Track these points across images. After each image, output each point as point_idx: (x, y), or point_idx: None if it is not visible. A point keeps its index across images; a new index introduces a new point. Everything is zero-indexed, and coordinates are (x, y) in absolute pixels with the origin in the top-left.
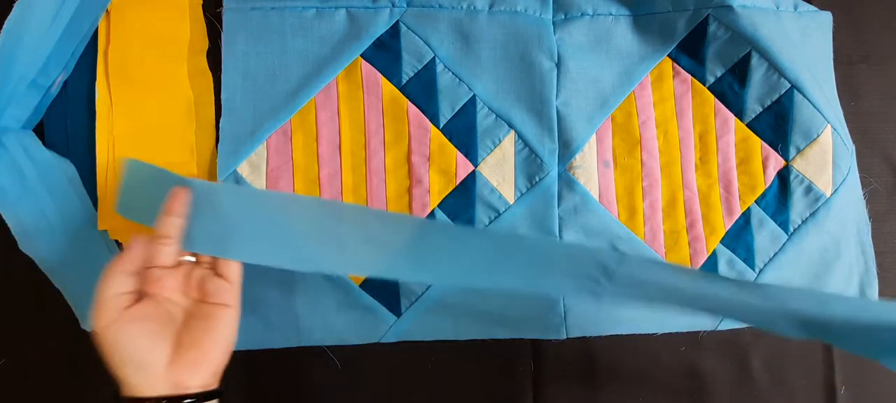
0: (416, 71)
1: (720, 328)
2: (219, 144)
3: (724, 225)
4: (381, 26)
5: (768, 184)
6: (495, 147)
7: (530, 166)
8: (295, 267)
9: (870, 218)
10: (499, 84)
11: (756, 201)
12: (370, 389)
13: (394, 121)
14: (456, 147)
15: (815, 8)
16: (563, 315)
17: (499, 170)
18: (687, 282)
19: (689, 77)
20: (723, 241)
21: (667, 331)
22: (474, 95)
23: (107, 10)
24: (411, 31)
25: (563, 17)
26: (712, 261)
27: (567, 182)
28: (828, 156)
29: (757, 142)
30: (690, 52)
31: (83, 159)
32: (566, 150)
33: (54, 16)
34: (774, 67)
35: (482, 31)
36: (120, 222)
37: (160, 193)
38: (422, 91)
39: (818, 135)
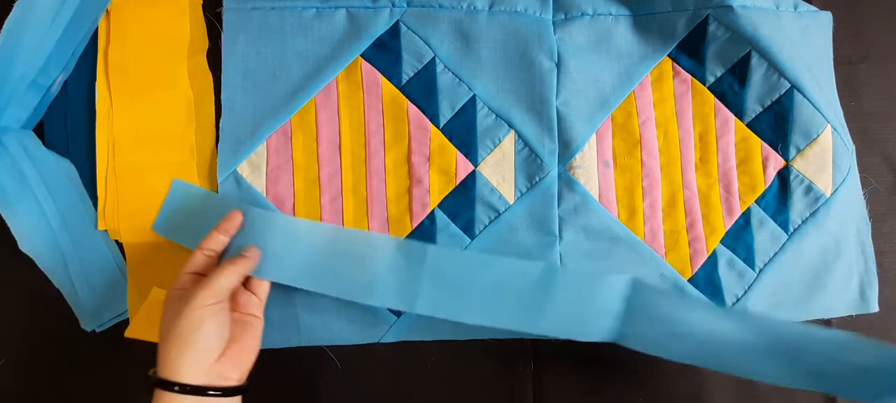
0: (416, 71)
1: None
2: (219, 144)
3: (724, 225)
4: (381, 26)
5: (768, 184)
6: (495, 147)
7: (530, 166)
8: (322, 291)
9: (870, 218)
10: (499, 84)
11: (756, 201)
12: (370, 389)
13: (394, 121)
14: (456, 147)
15: (815, 8)
16: None
17: (499, 169)
18: (703, 326)
19: (689, 77)
20: (723, 241)
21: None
22: (474, 95)
23: (107, 10)
24: (411, 31)
25: (563, 17)
26: (712, 261)
27: (567, 182)
28: (828, 156)
29: (757, 142)
30: (690, 52)
31: (83, 159)
32: (566, 150)
33: (54, 16)
34: (774, 67)
35: (482, 31)
36: (120, 222)
37: (203, 214)
38: (422, 91)
39: (818, 135)
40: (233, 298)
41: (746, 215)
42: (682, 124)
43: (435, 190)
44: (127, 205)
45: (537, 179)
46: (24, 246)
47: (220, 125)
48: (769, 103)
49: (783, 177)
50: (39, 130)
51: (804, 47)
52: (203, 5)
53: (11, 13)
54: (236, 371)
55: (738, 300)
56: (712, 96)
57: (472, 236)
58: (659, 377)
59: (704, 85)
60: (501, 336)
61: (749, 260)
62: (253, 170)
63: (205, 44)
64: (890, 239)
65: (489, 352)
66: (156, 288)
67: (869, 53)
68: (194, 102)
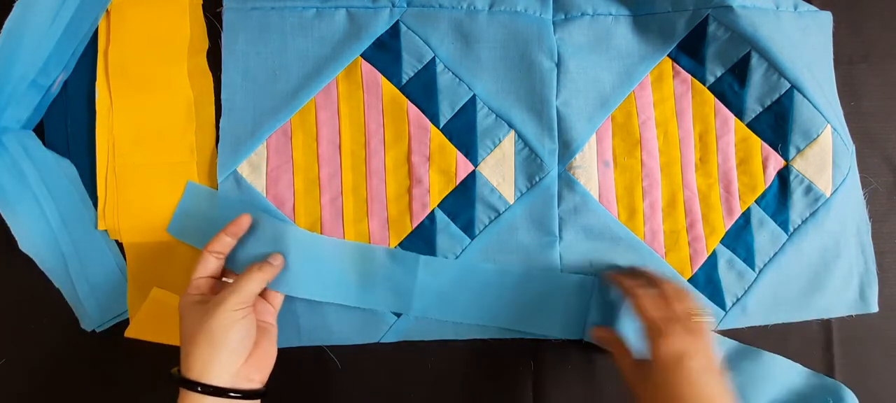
0: (416, 71)
1: (719, 327)
2: (219, 144)
3: (724, 225)
4: (381, 26)
5: (768, 184)
6: (495, 147)
7: (530, 166)
8: (334, 300)
9: (870, 218)
10: (499, 84)
11: (756, 201)
12: (370, 389)
13: (394, 120)
14: (456, 147)
15: (815, 8)
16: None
17: (499, 169)
18: None
19: (689, 77)
20: (723, 241)
21: None
22: (474, 95)
23: (107, 10)
24: (411, 31)
25: (563, 17)
26: (712, 261)
27: (567, 182)
28: (828, 156)
29: (757, 142)
30: (690, 52)
31: (83, 159)
32: (566, 150)
33: (54, 16)
34: (774, 67)
35: (482, 31)
36: (120, 222)
37: (218, 217)
38: (422, 91)
39: (818, 135)
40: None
41: (746, 215)
42: (682, 124)
43: (435, 190)
44: (127, 205)
45: (537, 179)
46: (24, 246)
47: (220, 125)
48: (769, 103)
49: (783, 177)
50: (39, 130)
51: (804, 47)
52: (203, 5)
53: (11, 13)
54: (259, 373)
55: (738, 300)
56: (712, 96)
57: (472, 236)
58: None
59: (704, 85)
60: (502, 335)
61: (749, 260)
62: (253, 170)
63: (205, 44)
64: (890, 239)
65: (489, 352)
66: (156, 288)
67: (869, 53)
68: (194, 102)
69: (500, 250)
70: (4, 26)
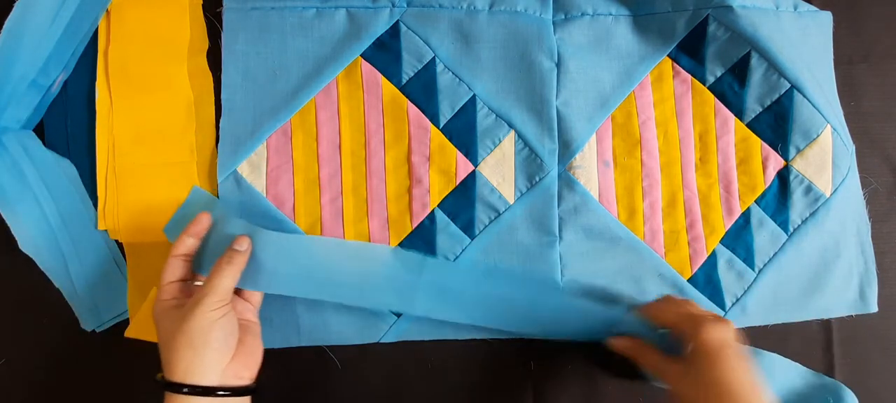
0: (416, 71)
1: None
2: (219, 144)
3: (723, 225)
4: (381, 26)
5: (768, 184)
6: (495, 147)
7: (530, 166)
8: (310, 295)
9: (870, 218)
10: (499, 84)
11: (756, 201)
12: (370, 389)
13: (394, 120)
14: (456, 147)
15: (815, 8)
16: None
17: (499, 169)
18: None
19: (689, 77)
20: (723, 241)
21: None
22: (474, 95)
23: (107, 10)
24: (411, 31)
25: (563, 16)
26: (712, 261)
27: (567, 182)
28: (827, 156)
29: (757, 142)
30: (690, 52)
31: (83, 159)
32: (566, 150)
33: (54, 16)
34: (774, 67)
35: (482, 31)
36: (120, 222)
37: (214, 227)
38: (422, 91)
39: (818, 135)
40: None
41: (746, 215)
42: (682, 124)
43: (435, 190)
44: (127, 205)
45: (537, 179)
46: (24, 246)
47: (220, 125)
48: (769, 103)
49: (783, 177)
50: (39, 130)
51: (804, 47)
52: (203, 5)
53: (11, 13)
54: (247, 371)
55: (737, 300)
56: (712, 96)
57: (471, 236)
58: None
59: (704, 85)
60: (502, 335)
61: (749, 260)
62: (253, 169)
63: (205, 44)
64: (890, 239)
65: (489, 352)
66: (156, 288)
67: (869, 53)
68: (194, 102)
69: (500, 250)
70: (4, 26)
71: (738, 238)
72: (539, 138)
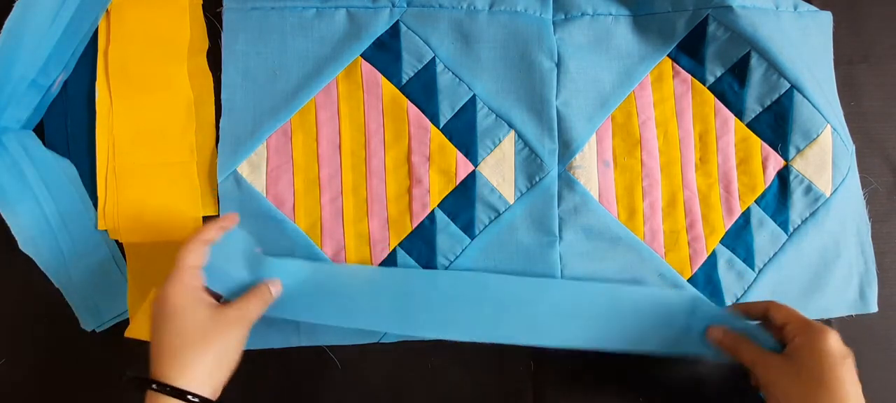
0: (416, 71)
1: None
2: (219, 144)
3: (723, 225)
4: (381, 26)
5: (768, 184)
6: (495, 147)
7: (530, 166)
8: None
9: (870, 218)
10: (499, 84)
11: (756, 201)
12: (370, 389)
13: (394, 120)
14: (456, 147)
15: (815, 8)
16: None
17: (499, 169)
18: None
19: (689, 77)
20: (723, 241)
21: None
22: (474, 95)
23: (107, 10)
24: (411, 31)
25: (563, 16)
26: (712, 261)
27: (567, 182)
28: (827, 156)
29: (757, 142)
30: (690, 52)
31: (83, 159)
32: (566, 150)
33: (54, 16)
34: (774, 67)
35: (482, 31)
36: (120, 222)
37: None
38: (422, 91)
39: (818, 135)
40: None
41: (746, 215)
42: (682, 124)
43: (435, 190)
44: (127, 205)
45: (537, 179)
46: (24, 246)
47: (220, 125)
48: (769, 103)
49: (783, 177)
50: (39, 130)
51: (804, 47)
52: (203, 5)
53: (11, 13)
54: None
55: (737, 300)
56: (712, 96)
57: (471, 236)
58: (659, 378)
59: (704, 85)
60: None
61: (749, 260)
62: (253, 170)
63: (205, 44)
64: (890, 239)
65: (489, 352)
66: (156, 288)
67: (869, 53)
68: (194, 102)
69: (500, 250)
70: (4, 26)
71: (738, 238)
72: (539, 138)
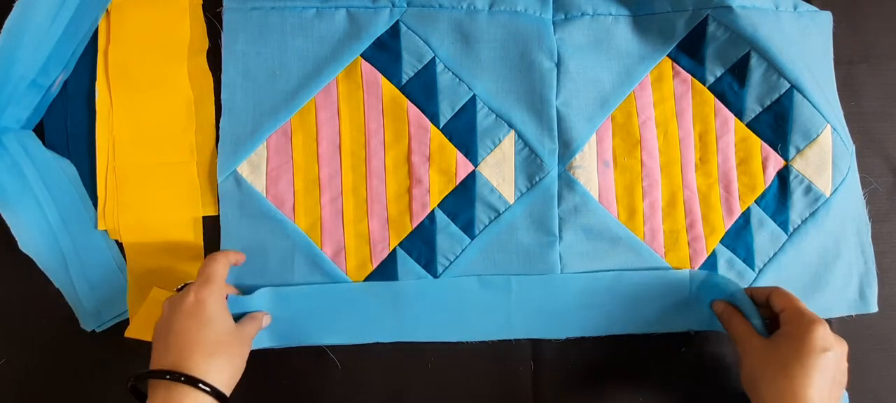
0: (416, 71)
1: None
2: (219, 144)
3: (723, 224)
4: (381, 26)
5: (768, 184)
6: (495, 147)
7: (530, 166)
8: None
9: (870, 218)
10: (499, 84)
11: (756, 201)
12: (370, 389)
13: (394, 120)
14: (456, 147)
15: (814, 8)
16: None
17: (499, 169)
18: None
19: (689, 77)
20: (723, 241)
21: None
22: (474, 95)
23: (107, 10)
24: (411, 31)
25: (563, 17)
26: (712, 261)
27: (567, 182)
28: (827, 156)
29: (757, 142)
30: (690, 52)
31: (83, 159)
32: (566, 150)
33: (54, 16)
34: (774, 67)
35: (482, 31)
36: (120, 222)
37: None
38: (422, 91)
39: (818, 135)
40: None
41: (746, 215)
42: (682, 124)
43: (435, 190)
44: (127, 205)
45: (537, 179)
46: (24, 246)
47: (220, 125)
48: (769, 103)
49: (783, 177)
50: (39, 130)
51: (804, 47)
52: (203, 5)
53: (11, 13)
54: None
55: None
56: (712, 96)
57: (471, 236)
58: (659, 378)
59: (704, 85)
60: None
61: (749, 259)
62: (253, 170)
63: (205, 44)
64: (890, 239)
65: (489, 352)
66: (156, 288)
67: (869, 53)
68: (194, 102)
69: (500, 250)
70: (4, 26)
71: (738, 238)
72: (539, 138)
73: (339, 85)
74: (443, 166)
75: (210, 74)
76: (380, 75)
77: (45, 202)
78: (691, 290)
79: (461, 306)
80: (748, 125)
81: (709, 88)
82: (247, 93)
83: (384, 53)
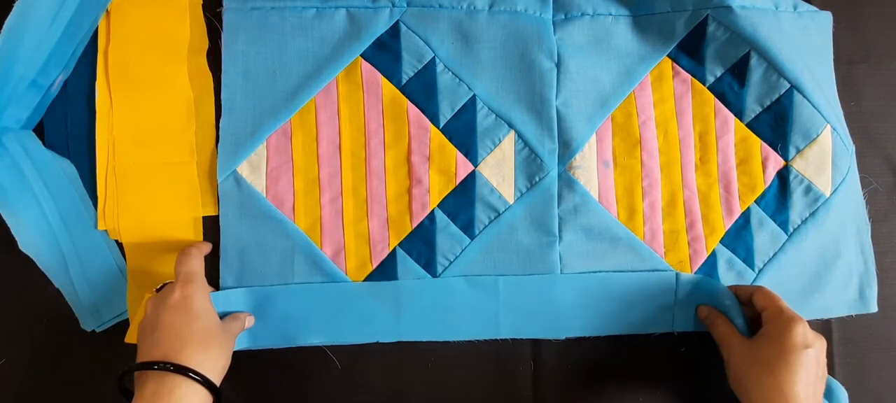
0: (416, 71)
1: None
2: (219, 144)
3: (723, 224)
4: (381, 26)
5: (768, 184)
6: (495, 147)
7: (530, 166)
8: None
9: (870, 218)
10: (499, 84)
11: (756, 201)
12: (370, 389)
13: (394, 121)
14: (456, 147)
15: (814, 8)
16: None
17: (499, 169)
18: None
19: (689, 77)
20: (722, 241)
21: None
22: (474, 95)
23: (107, 10)
24: (411, 31)
25: (563, 16)
26: (712, 261)
27: (567, 182)
28: (827, 156)
29: (757, 142)
30: (690, 52)
31: (83, 159)
32: (566, 150)
33: (54, 16)
34: (774, 67)
35: (482, 31)
36: (120, 222)
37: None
38: (422, 91)
39: (818, 135)
40: None
41: (746, 215)
42: (682, 124)
43: (435, 190)
44: (127, 205)
45: (537, 179)
46: (24, 246)
47: (220, 125)
48: (769, 103)
49: (783, 177)
50: (39, 130)
51: (804, 47)
52: (203, 5)
53: (11, 13)
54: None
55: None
56: (712, 96)
57: (471, 236)
58: (658, 378)
59: (704, 85)
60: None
61: (748, 259)
62: (253, 170)
63: (205, 44)
64: (890, 239)
65: (489, 352)
66: (149, 294)
67: (869, 53)
68: (194, 102)
69: (500, 250)
70: (4, 26)
71: (738, 238)
72: (539, 138)
73: (339, 85)
74: (443, 166)
75: (210, 74)
76: (380, 75)
77: (45, 202)
78: (677, 292)
79: (452, 306)
80: (748, 125)
81: (709, 88)
82: (247, 93)
83: (384, 53)
